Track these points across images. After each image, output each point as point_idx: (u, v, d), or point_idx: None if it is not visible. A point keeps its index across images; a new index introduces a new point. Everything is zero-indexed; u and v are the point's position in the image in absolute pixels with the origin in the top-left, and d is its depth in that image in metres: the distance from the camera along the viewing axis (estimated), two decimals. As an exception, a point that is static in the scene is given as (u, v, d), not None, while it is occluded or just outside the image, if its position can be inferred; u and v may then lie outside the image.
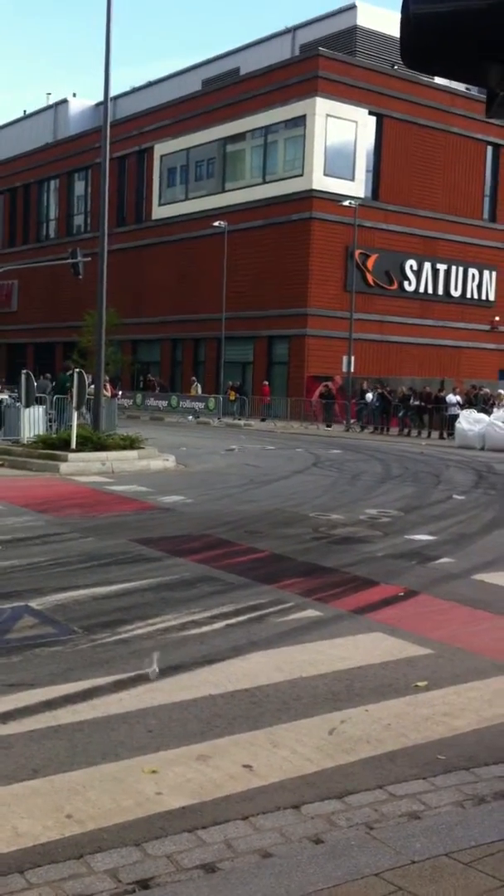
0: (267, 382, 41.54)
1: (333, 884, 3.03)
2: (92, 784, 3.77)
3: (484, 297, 46.85)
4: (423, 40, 2.97)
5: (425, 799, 3.72)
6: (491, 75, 2.97)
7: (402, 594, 7.47)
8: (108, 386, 26.16)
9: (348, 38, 45.60)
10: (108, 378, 30.44)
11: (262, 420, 38.30)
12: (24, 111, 67.36)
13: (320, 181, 40.75)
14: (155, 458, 18.27)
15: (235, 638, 6.00)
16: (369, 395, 35.74)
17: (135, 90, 59.39)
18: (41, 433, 19.45)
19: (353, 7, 46.11)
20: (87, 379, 18.78)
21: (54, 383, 24.68)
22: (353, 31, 45.67)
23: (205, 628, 6.21)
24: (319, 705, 4.77)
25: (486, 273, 46.68)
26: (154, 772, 3.89)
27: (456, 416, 29.96)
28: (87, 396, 18.93)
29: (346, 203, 36.58)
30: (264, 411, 39.51)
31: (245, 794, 3.73)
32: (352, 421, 35.79)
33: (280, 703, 4.78)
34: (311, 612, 6.75)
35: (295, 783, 3.84)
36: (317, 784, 3.84)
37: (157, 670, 4.26)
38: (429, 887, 3.03)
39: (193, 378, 45.03)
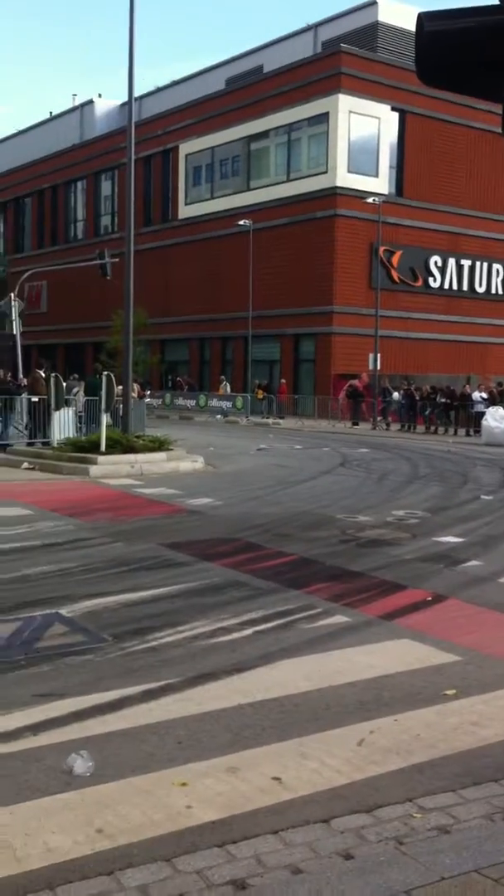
0: (284, 381, 41.51)
1: (363, 900, 3.04)
2: (122, 797, 3.79)
3: (510, 293, 46.52)
4: (438, 57, 2.98)
5: (454, 812, 3.71)
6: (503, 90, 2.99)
7: (430, 599, 7.45)
8: (137, 387, 26.24)
9: (370, 34, 45.39)
10: (139, 381, 30.59)
11: (281, 418, 38.22)
12: (50, 113, 67.82)
13: (344, 178, 40.64)
14: (184, 460, 18.33)
15: (264, 645, 6.01)
16: (396, 394, 35.61)
17: (159, 90, 59.51)
18: (71, 436, 19.58)
19: (374, 3, 45.86)
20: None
21: (83, 383, 24.82)
22: (375, 26, 45.46)
23: (234, 635, 6.24)
24: (349, 715, 4.77)
25: (511, 268, 46.33)
26: (184, 784, 3.91)
27: (482, 414, 29.77)
28: (115, 399, 19.03)
29: (370, 200, 36.44)
30: (280, 410, 39.38)
31: (275, 807, 3.74)
32: (378, 419, 35.67)
33: (309, 714, 4.79)
34: (339, 618, 6.75)
35: (324, 796, 3.84)
36: (346, 797, 3.84)
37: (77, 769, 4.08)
38: (459, 904, 3.02)
39: (222, 377, 45.09)
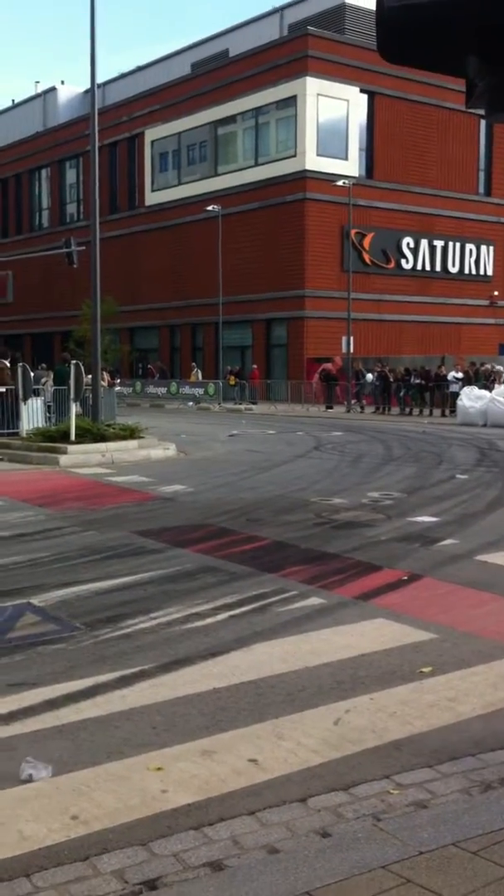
0: (256, 366, 41.47)
1: (341, 878, 3.01)
2: (97, 784, 3.75)
3: (482, 273, 46.70)
4: (400, 34, 2.92)
5: (432, 787, 3.70)
6: (469, 67, 2.93)
7: (405, 578, 7.45)
8: (107, 376, 26.06)
9: (337, 16, 45.19)
10: (108, 369, 30.37)
11: (254, 404, 38.13)
12: (13, 100, 67.08)
13: (313, 161, 40.51)
14: (155, 447, 18.24)
15: (239, 629, 5.98)
16: (369, 376, 35.66)
17: (123, 76, 58.99)
18: (40, 426, 19.41)
19: (340, -15, 45.74)
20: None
21: (51, 373, 24.59)
22: (342, 8, 45.25)
23: (208, 620, 6.20)
24: (324, 695, 4.75)
25: (483, 248, 46.50)
26: (159, 769, 3.88)
27: (457, 394, 29.87)
28: (84, 387, 18.89)
29: (340, 183, 36.33)
30: (252, 395, 39.36)
31: (251, 788, 3.71)
32: (352, 402, 35.72)
33: (285, 695, 4.77)
34: (314, 600, 6.73)
35: (301, 776, 3.82)
36: (323, 776, 3.82)
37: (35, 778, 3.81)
38: (437, 878, 3.01)
39: (193, 364, 44.91)
